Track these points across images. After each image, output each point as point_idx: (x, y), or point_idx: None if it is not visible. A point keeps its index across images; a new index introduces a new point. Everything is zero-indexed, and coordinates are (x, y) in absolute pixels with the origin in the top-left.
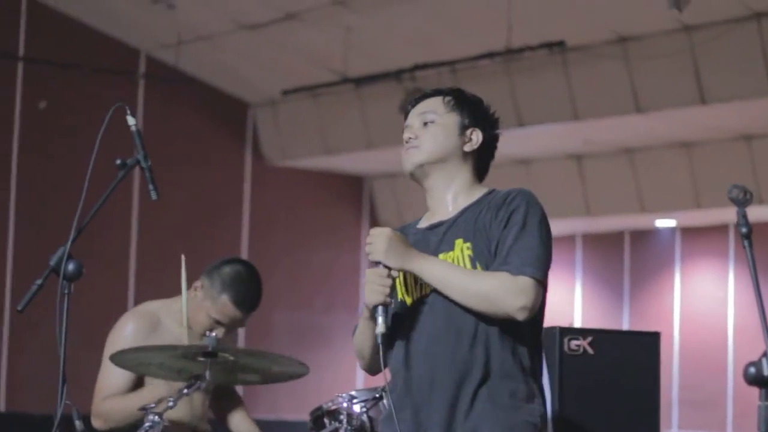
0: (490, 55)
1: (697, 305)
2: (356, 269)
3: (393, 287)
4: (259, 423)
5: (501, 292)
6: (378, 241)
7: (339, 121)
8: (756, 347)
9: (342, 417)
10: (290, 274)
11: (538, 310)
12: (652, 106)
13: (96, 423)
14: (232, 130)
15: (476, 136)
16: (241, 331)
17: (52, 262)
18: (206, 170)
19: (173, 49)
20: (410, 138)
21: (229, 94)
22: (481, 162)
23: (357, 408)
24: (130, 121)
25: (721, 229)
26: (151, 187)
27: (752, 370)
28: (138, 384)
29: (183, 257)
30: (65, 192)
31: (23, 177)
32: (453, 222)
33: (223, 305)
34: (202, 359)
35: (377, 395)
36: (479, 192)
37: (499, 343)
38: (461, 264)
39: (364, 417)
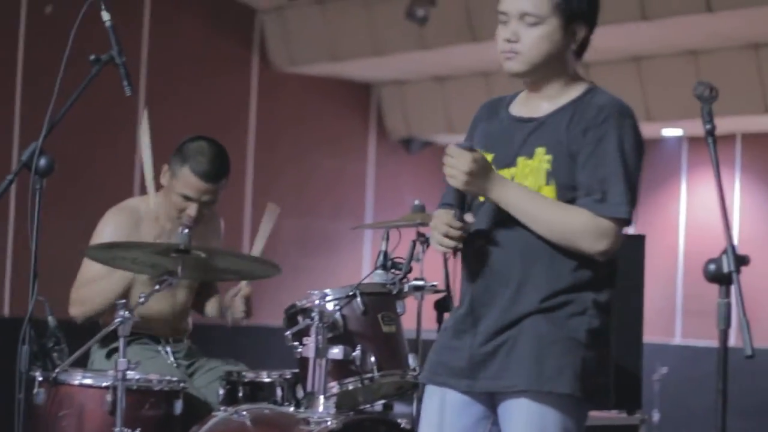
0: None
1: (703, 215)
2: (362, 177)
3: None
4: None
5: (583, 234)
6: (460, 163)
7: (346, 27)
8: (762, 257)
9: (314, 314)
10: (297, 182)
11: None
12: (659, 13)
13: (73, 310)
14: (239, 36)
15: (581, 32)
16: (247, 235)
17: (24, 158)
18: (213, 77)
19: None
20: (509, 40)
21: (235, 0)
22: (581, 52)
23: (330, 306)
24: (105, 16)
25: (727, 139)
26: (125, 83)
27: (712, 267)
28: None
29: (145, 112)
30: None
31: (29, 76)
32: (541, 123)
33: (186, 177)
34: (174, 255)
35: (350, 293)
36: (577, 89)
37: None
38: (537, 177)
39: (337, 315)
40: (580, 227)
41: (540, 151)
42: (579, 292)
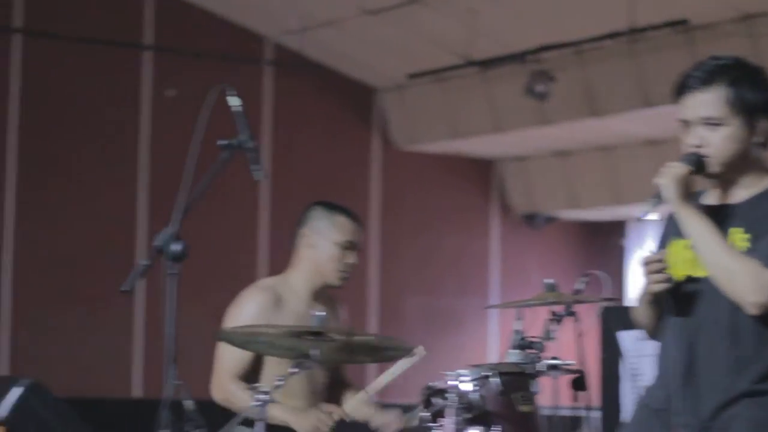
0: (614, 35)
1: None
2: (485, 254)
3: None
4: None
5: (745, 278)
6: (670, 174)
7: (465, 105)
8: None
9: (451, 395)
10: (420, 259)
11: None
12: None
13: (216, 395)
14: (358, 115)
15: (764, 125)
16: (373, 315)
17: (157, 243)
18: (333, 155)
19: (298, 35)
20: (698, 146)
21: (354, 80)
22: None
23: (467, 386)
24: (233, 101)
25: None
26: (255, 167)
27: None
28: (257, 361)
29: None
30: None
31: (154, 160)
32: (735, 209)
33: (341, 224)
34: (310, 338)
35: (486, 374)
36: (766, 181)
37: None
38: None
39: (475, 395)
40: (745, 271)
41: (735, 231)
42: None
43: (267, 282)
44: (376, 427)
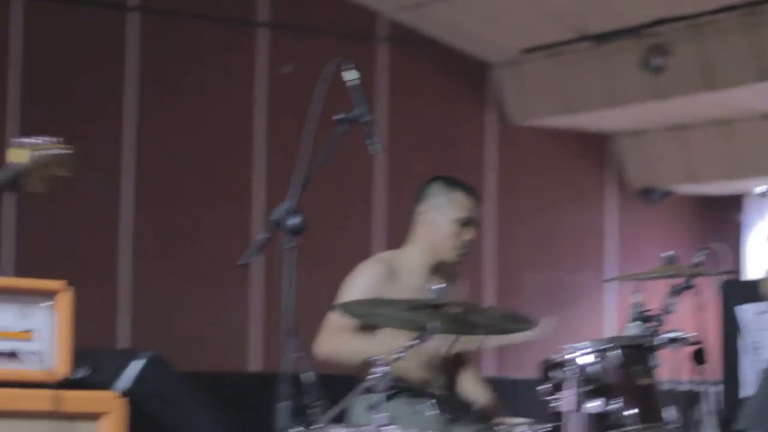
0: (731, 8)
1: None
2: (601, 228)
3: None
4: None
5: None
6: None
7: (580, 79)
8: None
9: (571, 367)
10: (536, 234)
11: None
12: None
13: (319, 350)
14: (472, 90)
15: None
16: (491, 290)
17: (275, 216)
18: (448, 131)
19: (413, 11)
20: None
21: (469, 55)
22: None
23: (586, 359)
24: (349, 75)
25: None
26: (371, 141)
27: None
28: (366, 329)
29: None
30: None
31: (270, 136)
32: None
33: (459, 200)
34: (428, 311)
35: (606, 347)
36: None
37: None
38: None
39: (595, 368)
40: None
41: None
42: None
43: (383, 255)
44: (480, 408)
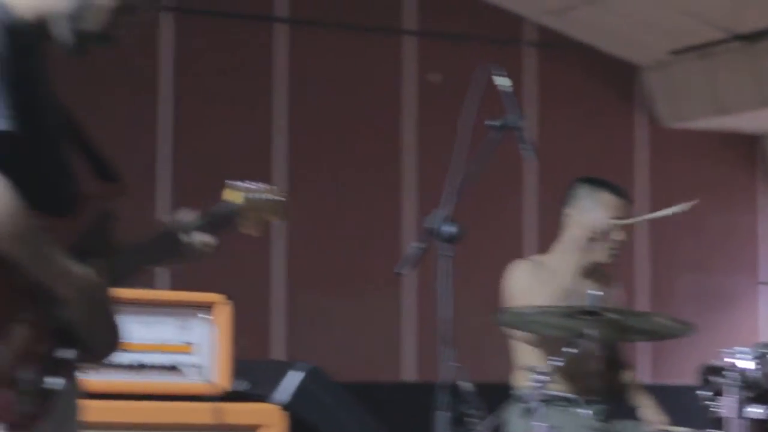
0: None
1: None
2: (754, 230)
3: None
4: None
5: None
6: None
7: (730, 80)
8: None
9: (733, 373)
10: (690, 237)
11: None
12: None
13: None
14: (621, 93)
15: None
16: (643, 293)
17: (431, 224)
18: (597, 134)
19: (559, 15)
20: None
21: (617, 58)
22: None
23: (747, 364)
24: (500, 81)
25: None
26: (523, 146)
27: None
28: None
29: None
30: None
31: (419, 143)
32: None
33: (606, 201)
34: (585, 317)
35: (766, 351)
36: None
37: None
38: None
39: (757, 373)
40: None
41: None
42: None
43: (534, 258)
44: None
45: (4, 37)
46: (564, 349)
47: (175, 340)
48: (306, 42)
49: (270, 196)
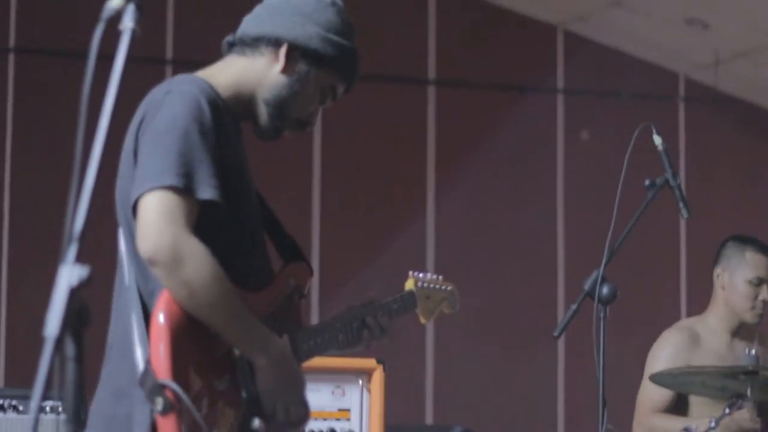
0: None
1: None
2: None
3: None
4: None
5: None
6: None
7: None
8: None
9: None
10: None
11: None
12: None
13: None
14: None
15: None
16: None
17: (586, 287)
18: (749, 191)
19: (711, 69)
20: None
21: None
22: None
23: None
24: (657, 140)
25: None
26: (681, 204)
27: None
28: (679, 400)
29: None
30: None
31: (568, 201)
32: None
33: (752, 259)
34: (743, 377)
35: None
36: None
37: None
38: None
39: None
40: None
41: None
42: None
43: (685, 322)
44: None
45: (212, 113)
46: (725, 410)
47: (332, 406)
48: (451, 102)
49: (440, 287)
